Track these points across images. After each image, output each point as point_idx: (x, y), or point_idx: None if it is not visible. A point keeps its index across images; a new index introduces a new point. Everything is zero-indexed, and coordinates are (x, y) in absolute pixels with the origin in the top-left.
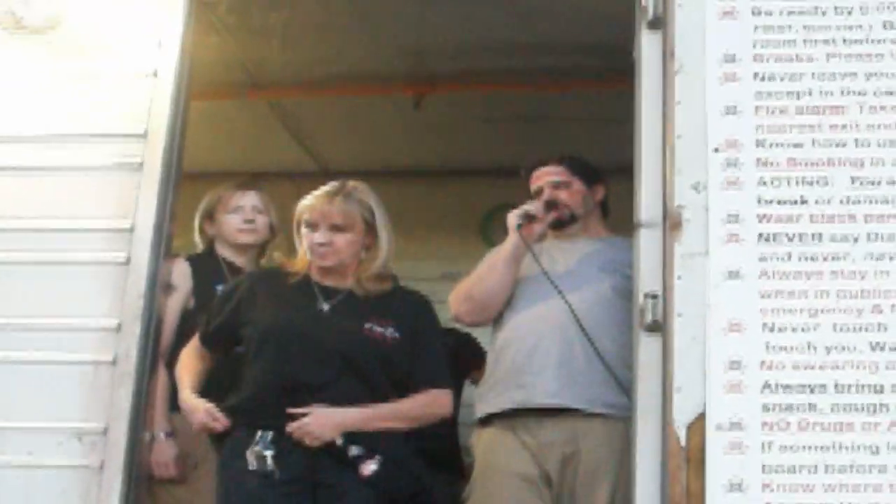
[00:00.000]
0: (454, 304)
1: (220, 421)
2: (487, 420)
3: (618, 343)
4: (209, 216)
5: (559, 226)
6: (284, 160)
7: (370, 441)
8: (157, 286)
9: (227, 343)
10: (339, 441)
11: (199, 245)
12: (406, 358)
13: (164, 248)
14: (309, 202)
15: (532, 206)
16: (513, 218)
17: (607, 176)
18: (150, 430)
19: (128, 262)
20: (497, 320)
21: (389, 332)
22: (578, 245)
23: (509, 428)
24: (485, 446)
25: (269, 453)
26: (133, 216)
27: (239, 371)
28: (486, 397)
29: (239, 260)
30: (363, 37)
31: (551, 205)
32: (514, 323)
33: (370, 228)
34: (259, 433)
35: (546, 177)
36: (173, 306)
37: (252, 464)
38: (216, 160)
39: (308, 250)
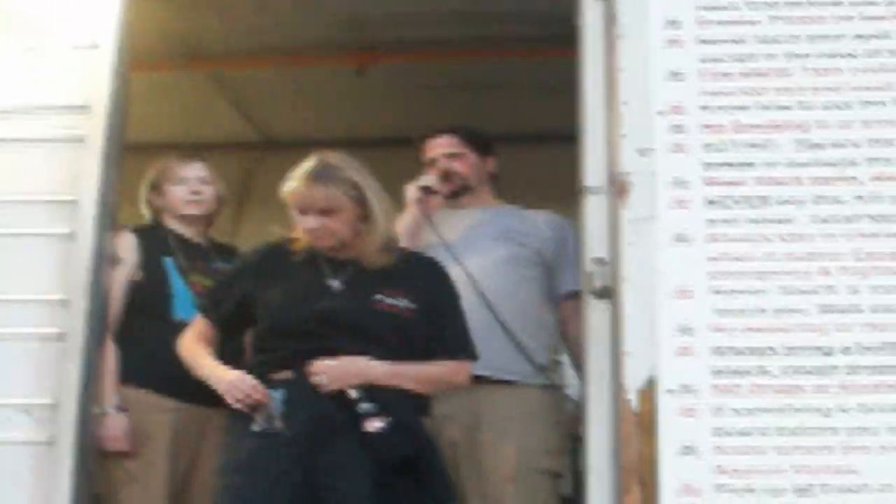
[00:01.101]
0: None
1: (259, 390)
2: None
3: (515, 310)
4: (155, 188)
5: (453, 196)
6: (227, 131)
7: (382, 401)
8: (103, 259)
9: (242, 324)
10: (354, 394)
11: (147, 217)
12: (424, 329)
13: (108, 220)
14: (290, 189)
15: (429, 180)
16: (412, 191)
17: (547, 143)
18: (100, 404)
19: (72, 235)
20: None
21: (404, 303)
22: (471, 214)
23: None
24: None
25: (277, 413)
26: (76, 189)
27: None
28: None
29: (187, 231)
30: (304, 6)
31: (446, 175)
32: None
33: (360, 202)
34: (271, 393)
35: (440, 147)
36: (120, 279)
37: (260, 424)
38: (159, 132)
39: (304, 233)
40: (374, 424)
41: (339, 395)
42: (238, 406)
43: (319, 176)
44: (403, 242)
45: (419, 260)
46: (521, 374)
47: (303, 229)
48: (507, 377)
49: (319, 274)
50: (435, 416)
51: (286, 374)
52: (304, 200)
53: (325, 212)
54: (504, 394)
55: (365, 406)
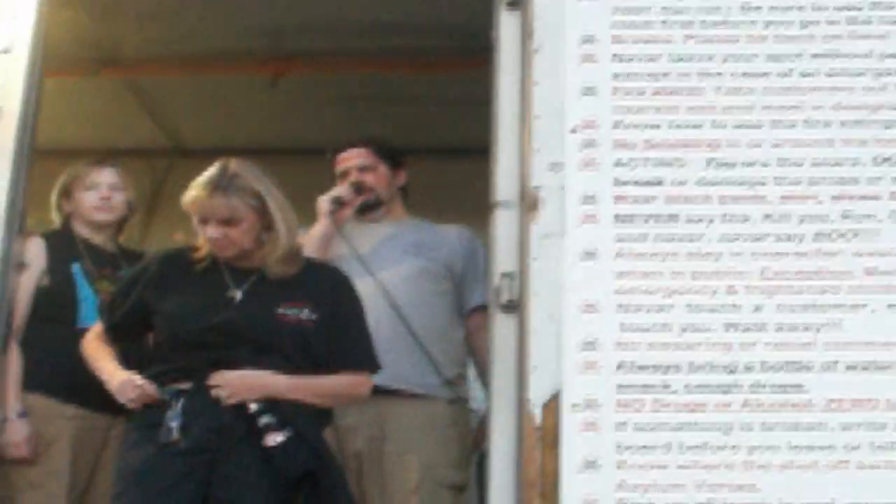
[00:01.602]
0: None
1: (150, 389)
2: None
3: (424, 323)
4: (66, 193)
5: (365, 209)
6: (140, 138)
7: (283, 414)
8: (9, 265)
9: (135, 331)
10: (254, 407)
11: (57, 222)
12: (325, 339)
13: (17, 225)
14: (191, 198)
15: (342, 192)
16: (324, 203)
17: (459, 157)
18: (2, 410)
19: None
20: None
21: (305, 313)
22: (381, 228)
23: None
24: None
25: (175, 424)
26: None
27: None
28: None
29: (96, 238)
30: (218, 15)
31: (358, 188)
32: None
33: (262, 212)
34: (164, 393)
35: (352, 160)
36: (27, 284)
37: (159, 434)
38: (71, 137)
39: (205, 242)
40: (275, 438)
41: (239, 408)
42: (131, 405)
43: (220, 185)
44: (314, 254)
45: (322, 269)
46: (427, 387)
47: (204, 238)
48: (413, 390)
49: (220, 283)
50: (339, 428)
51: (185, 385)
52: (205, 210)
53: (225, 221)
54: (410, 406)
55: (265, 419)
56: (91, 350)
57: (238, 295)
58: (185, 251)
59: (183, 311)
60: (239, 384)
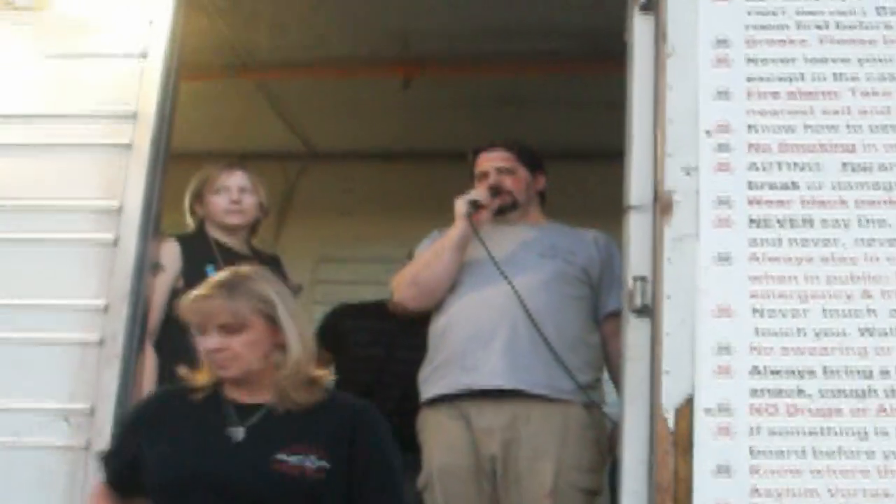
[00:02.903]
0: (398, 289)
1: None
2: (431, 402)
3: (560, 328)
4: (198, 197)
5: (501, 212)
6: (272, 141)
7: None
8: (145, 267)
9: (135, 484)
10: None
11: (191, 225)
12: (339, 493)
13: (152, 228)
14: (187, 300)
15: (479, 194)
16: (461, 205)
17: (591, 160)
18: None
19: (116, 242)
20: (438, 303)
21: (311, 461)
22: (518, 231)
23: (454, 412)
24: (431, 433)
25: None
26: (122, 196)
27: None
28: (431, 379)
29: (229, 240)
30: (350, 19)
31: (496, 190)
32: (458, 306)
33: (272, 322)
34: None
35: (492, 161)
36: (162, 287)
37: None
38: (205, 141)
39: (204, 360)
40: None
41: None
42: None
43: (224, 286)
44: (450, 256)
45: (344, 404)
46: (562, 392)
47: (202, 352)
48: (549, 394)
49: (220, 419)
50: (476, 429)
51: None
52: (202, 313)
53: (226, 328)
54: (545, 410)
55: None
56: None
57: (239, 434)
58: (183, 387)
59: (172, 454)
60: None
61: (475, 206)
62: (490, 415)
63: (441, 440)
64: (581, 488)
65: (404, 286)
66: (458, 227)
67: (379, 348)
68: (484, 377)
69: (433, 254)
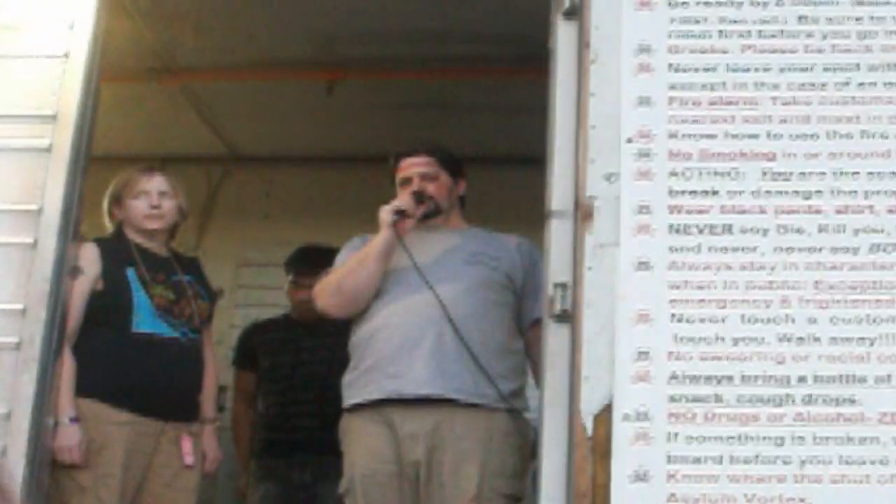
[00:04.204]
0: (321, 297)
1: None
2: (355, 407)
3: (485, 334)
4: (117, 200)
5: (425, 217)
6: (195, 145)
7: None
8: (64, 270)
9: None
10: None
11: (110, 228)
12: None
13: (71, 231)
14: None
15: (404, 203)
16: (386, 215)
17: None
18: (55, 414)
19: (35, 245)
20: (361, 310)
21: None
22: (442, 237)
23: (378, 418)
24: (354, 438)
25: None
26: (41, 199)
27: None
28: (356, 385)
29: (149, 243)
30: (273, 22)
31: (419, 196)
32: (385, 313)
33: None
34: None
35: (416, 167)
36: (80, 290)
37: None
38: (127, 144)
39: None
40: None
41: None
42: None
43: None
44: (375, 265)
45: None
46: (486, 398)
47: None
48: (473, 400)
49: None
50: (400, 436)
51: None
52: None
53: None
54: (469, 417)
55: None
56: None
57: None
58: None
59: None
60: None
61: (400, 214)
62: (415, 421)
63: (364, 445)
64: (504, 494)
65: (328, 294)
66: (383, 236)
67: (286, 356)
68: (409, 384)
69: (357, 262)
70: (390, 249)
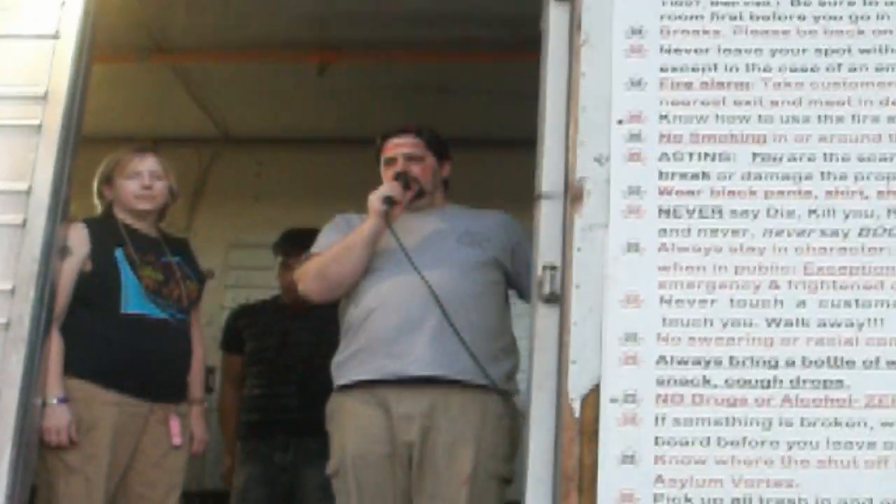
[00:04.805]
0: (303, 280)
1: None
2: (345, 387)
3: (482, 315)
4: (107, 180)
5: (410, 201)
6: (186, 125)
7: None
8: (53, 250)
9: None
10: None
11: (99, 209)
12: None
13: (61, 211)
14: None
15: (393, 190)
16: (377, 203)
17: (506, 148)
18: (43, 394)
19: (24, 224)
20: (347, 292)
21: None
22: (430, 218)
23: (372, 399)
24: (345, 418)
25: None
26: (30, 178)
27: None
28: (349, 365)
29: (138, 224)
30: (266, 3)
31: (404, 177)
32: (377, 294)
33: None
34: None
35: (401, 148)
36: (69, 270)
37: None
38: (117, 124)
39: None
40: None
41: None
42: None
43: None
44: (363, 251)
45: None
46: (486, 380)
47: None
48: (470, 380)
49: None
50: (394, 416)
51: None
52: None
53: None
54: (463, 398)
55: None
56: None
57: None
58: None
59: None
60: None
61: (390, 202)
62: (410, 402)
63: (356, 426)
64: (497, 476)
65: (311, 278)
66: (373, 224)
67: (272, 338)
68: (412, 365)
69: (344, 248)
70: (378, 237)
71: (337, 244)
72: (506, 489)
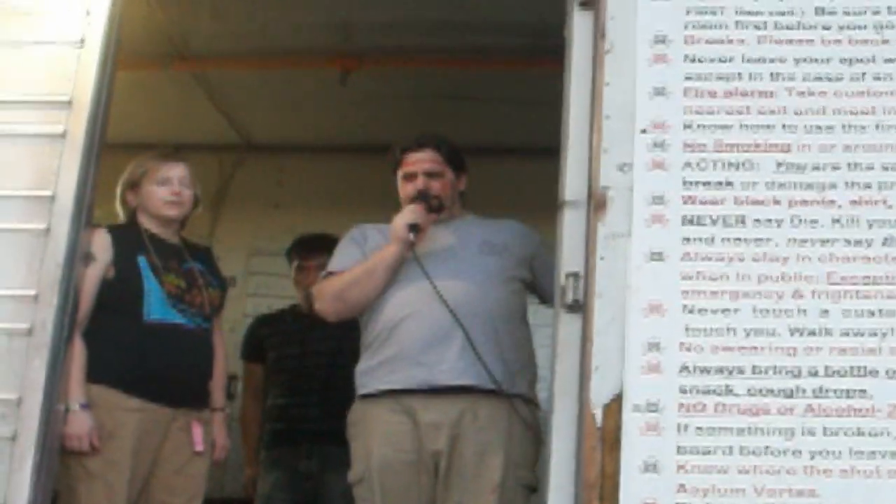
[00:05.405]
0: (321, 300)
1: None
2: (369, 396)
3: (508, 325)
4: (133, 187)
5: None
6: (209, 133)
7: None
8: (76, 256)
9: None
10: None
11: (121, 215)
12: None
13: (84, 218)
14: None
15: (418, 216)
16: (402, 231)
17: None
18: (66, 400)
19: (47, 231)
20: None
21: None
22: (448, 228)
23: (398, 407)
24: (370, 426)
25: None
26: (55, 185)
27: None
28: (377, 374)
29: (161, 231)
30: (289, 11)
31: (425, 197)
32: (404, 303)
33: None
34: None
35: (421, 164)
36: (92, 276)
37: None
38: (139, 131)
39: None
40: None
41: None
42: None
43: None
44: (380, 276)
45: None
46: (515, 388)
47: None
48: (498, 389)
49: None
50: (421, 424)
51: None
52: None
53: None
54: (491, 407)
55: None
56: None
57: None
58: None
59: None
60: None
61: (416, 230)
62: (438, 410)
63: (382, 434)
64: (525, 485)
65: (329, 299)
66: (397, 251)
67: (293, 347)
68: (442, 374)
69: (365, 273)
70: (401, 263)
71: (357, 268)
72: (531, 497)
